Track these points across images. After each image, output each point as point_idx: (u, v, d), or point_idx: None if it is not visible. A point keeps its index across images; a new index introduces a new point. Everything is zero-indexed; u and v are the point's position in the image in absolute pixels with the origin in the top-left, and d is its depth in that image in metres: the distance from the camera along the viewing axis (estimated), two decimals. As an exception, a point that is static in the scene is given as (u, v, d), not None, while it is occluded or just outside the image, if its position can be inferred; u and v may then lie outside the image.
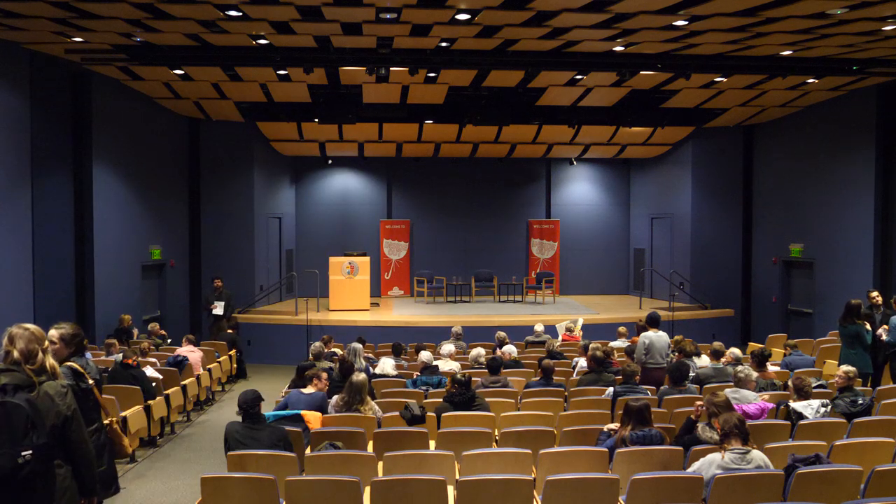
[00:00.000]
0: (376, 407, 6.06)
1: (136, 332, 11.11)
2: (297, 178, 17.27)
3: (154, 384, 7.80)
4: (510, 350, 8.77)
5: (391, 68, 10.30)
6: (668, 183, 16.37)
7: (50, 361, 3.34)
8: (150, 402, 7.54)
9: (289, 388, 7.30)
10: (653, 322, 7.93)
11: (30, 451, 3.04)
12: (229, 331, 12.35)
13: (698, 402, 5.09)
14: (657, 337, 7.79)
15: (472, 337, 11.33)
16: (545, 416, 5.95)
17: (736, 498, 4.02)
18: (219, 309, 12.37)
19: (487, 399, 6.27)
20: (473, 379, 6.66)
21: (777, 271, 14.36)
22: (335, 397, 6.17)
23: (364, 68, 10.31)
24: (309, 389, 6.14)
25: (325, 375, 6.33)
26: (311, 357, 8.22)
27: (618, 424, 5.06)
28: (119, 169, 11.61)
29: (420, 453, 4.88)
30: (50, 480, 3.18)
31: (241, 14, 8.25)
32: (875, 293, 8.80)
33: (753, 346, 10.24)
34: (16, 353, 3.23)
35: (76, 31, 8.88)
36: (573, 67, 10.76)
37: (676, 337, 9.28)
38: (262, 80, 11.41)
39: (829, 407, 5.74)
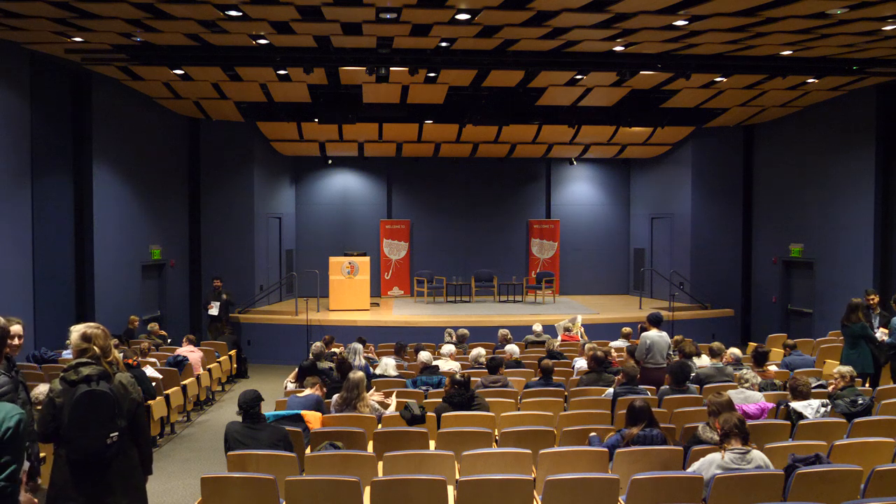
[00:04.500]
0: (375, 404, 6.07)
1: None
2: (297, 178, 17.27)
3: (154, 384, 7.79)
4: (512, 350, 8.76)
5: (391, 68, 10.29)
6: (668, 183, 16.37)
7: (117, 356, 3.77)
8: (150, 402, 7.53)
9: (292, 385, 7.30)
10: (654, 322, 7.92)
11: (116, 433, 3.51)
12: (226, 332, 12.38)
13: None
14: (659, 337, 7.77)
15: (472, 337, 11.30)
16: (545, 416, 5.95)
17: (736, 498, 4.02)
18: (214, 309, 12.39)
19: (487, 399, 6.26)
20: (473, 379, 6.66)
21: (777, 271, 14.36)
22: (335, 396, 6.18)
23: (364, 68, 10.31)
24: (305, 392, 6.16)
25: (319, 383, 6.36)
26: (311, 357, 8.22)
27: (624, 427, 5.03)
28: (119, 169, 11.61)
29: (420, 453, 4.88)
30: (128, 459, 3.65)
31: (241, 14, 8.25)
32: (873, 294, 8.77)
33: (754, 346, 10.23)
34: (96, 349, 3.65)
35: (76, 31, 8.88)
36: (573, 67, 10.76)
37: (676, 337, 9.27)
38: (262, 80, 11.41)
39: (829, 407, 5.74)
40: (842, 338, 8.59)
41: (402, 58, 10.16)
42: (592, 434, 5.21)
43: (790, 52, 10.07)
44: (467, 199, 17.60)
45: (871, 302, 8.62)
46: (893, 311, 8.50)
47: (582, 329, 11.17)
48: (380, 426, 5.85)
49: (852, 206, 12.11)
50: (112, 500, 3.56)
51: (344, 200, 17.45)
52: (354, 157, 16.92)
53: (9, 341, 3.95)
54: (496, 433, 5.75)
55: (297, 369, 7.32)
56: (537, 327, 10.80)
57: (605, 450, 4.76)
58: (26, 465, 3.43)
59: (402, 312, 14.31)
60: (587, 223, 18.00)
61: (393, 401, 6.31)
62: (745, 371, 6.17)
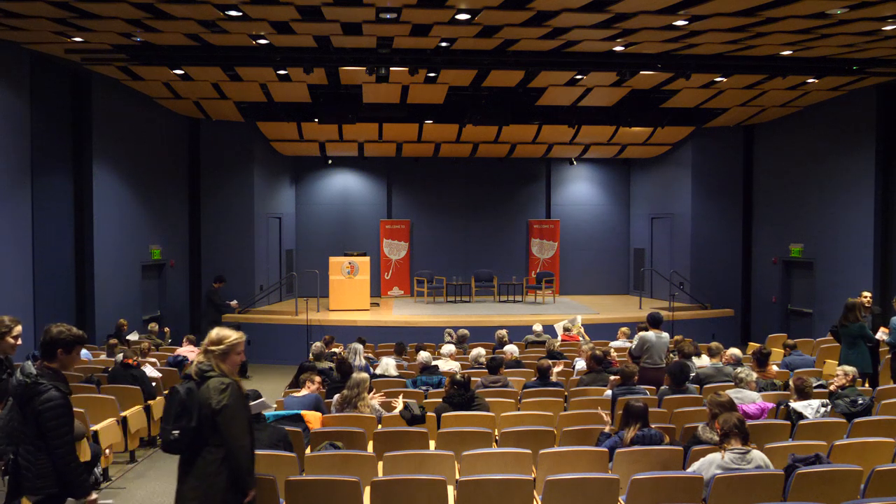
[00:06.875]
0: (375, 405, 6.07)
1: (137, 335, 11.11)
2: (297, 178, 17.27)
3: (154, 384, 7.80)
4: (511, 350, 8.76)
5: (391, 68, 10.30)
6: (668, 183, 16.37)
7: (214, 361, 3.71)
8: (150, 401, 7.55)
9: (288, 387, 7.31)
10: (654, 322, 7.88)
11: (177, 431, 3.51)
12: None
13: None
14: (657, 338, 7.73)
15: (472, 337, 11.30)
16: (545, 416, 5.95)
17: (736, 498, 4.02)
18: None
19: (487, 399, 6.26)
20: (473, 379, 6.66)
21: (777, 271, 14.35)
22: (336, 396, 6.18)
23: (364, 68, 10.31)
24: (302, 391, 6.16)
25: (318, 379, 6.34)
26: (311, 357, 8.22)
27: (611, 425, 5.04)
28: (119, 169, 11.61)
29: (420, 453, 4.88)
30: (206, 464, 3.53)
31: (241, 14, 8.25)
32: (867, 295, 8.70)
33: (754, 346, 10.24)
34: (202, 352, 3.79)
35: (76, 31, 8.88)
36: (573, 67, 10.76)
37: (676, 337, 9.28)
38: (262, 80, 11.41)
39: (829, 407, 5.74)
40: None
41: (402, 58, 10.16)
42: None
43: (790, 52, 10.07)
44: (467, 199, 17.59)
45: (866, 303, 8.50)
46: (894, 311, 8.48)
47: (582, 329, 11.16)
48: (380, 426, 5.85)
49: (852, 206, 12.11)
50: (181, 496, 3.58)
51: (344, 200, 17.44)
52: (354, 157, 16.91)
53: (8, 338, 3.98)
54: (496, 433, 5.75)
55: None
56: (537, 327, 10.80)
57: (605, 450, 4.76)
58: None
59: (402, 312, 14.31)
60: (587, 223, 17.99)
61: (399, 402, 6.29)
62: (739, 370, 6.15)
